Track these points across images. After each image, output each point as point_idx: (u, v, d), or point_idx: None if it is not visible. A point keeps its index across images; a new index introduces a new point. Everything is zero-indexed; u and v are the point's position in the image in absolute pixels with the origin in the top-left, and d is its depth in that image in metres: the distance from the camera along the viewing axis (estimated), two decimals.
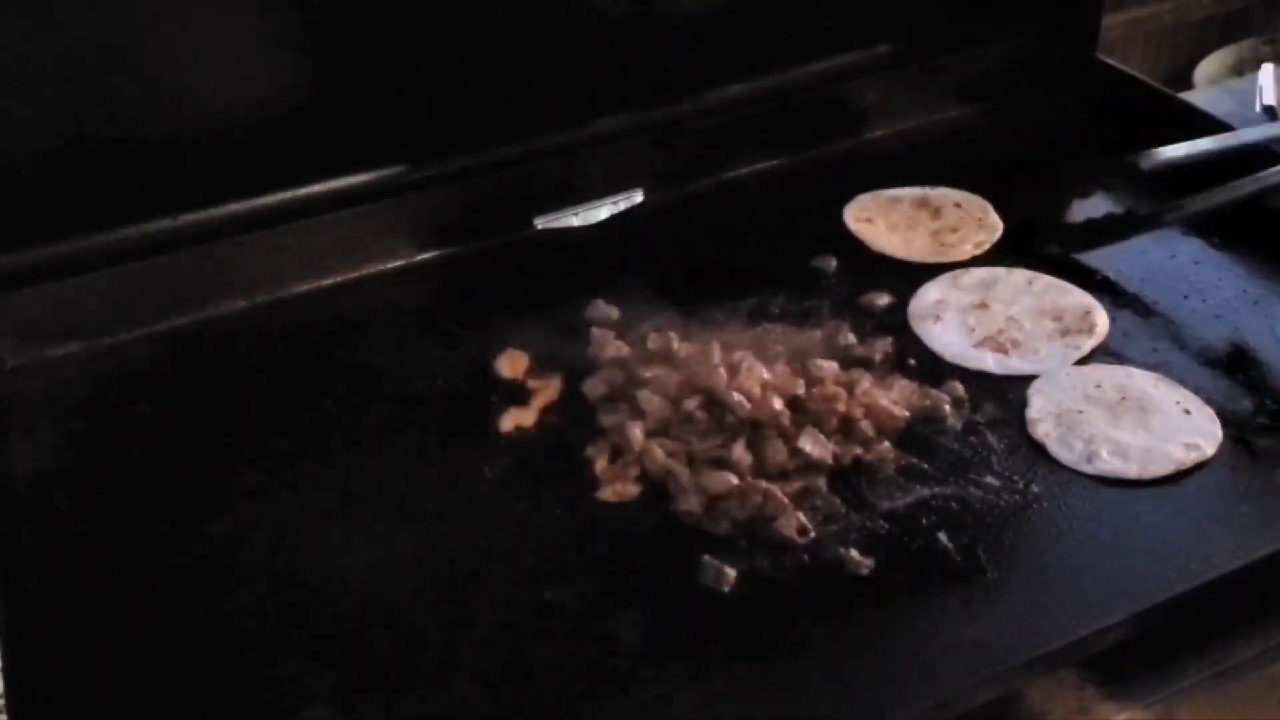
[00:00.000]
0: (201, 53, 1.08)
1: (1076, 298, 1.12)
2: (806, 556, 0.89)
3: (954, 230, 1.21)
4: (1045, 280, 1.14)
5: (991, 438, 0.98)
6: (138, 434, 1.03)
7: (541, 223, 1.24)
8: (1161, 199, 1.17)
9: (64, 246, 1.10)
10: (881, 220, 1.23)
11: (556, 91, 1.23)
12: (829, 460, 0.95)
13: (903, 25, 1.38)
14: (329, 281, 1.18)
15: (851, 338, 1.07)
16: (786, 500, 0.91)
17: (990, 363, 1.06)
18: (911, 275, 1.16)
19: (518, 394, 1.04)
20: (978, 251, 1.19)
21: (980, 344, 1.07)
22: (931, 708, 0.79)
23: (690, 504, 0.92)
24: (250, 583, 0.89)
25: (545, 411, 1.02)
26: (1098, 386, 1.02)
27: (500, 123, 1.22)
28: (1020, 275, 1.15)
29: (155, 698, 0.82)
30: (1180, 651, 0.85)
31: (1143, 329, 1.09)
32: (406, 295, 1.17)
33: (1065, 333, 1.08)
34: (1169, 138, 1.24)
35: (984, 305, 1.11)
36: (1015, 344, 1.07)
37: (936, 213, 1.24)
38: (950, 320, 1.10)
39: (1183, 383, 1.02)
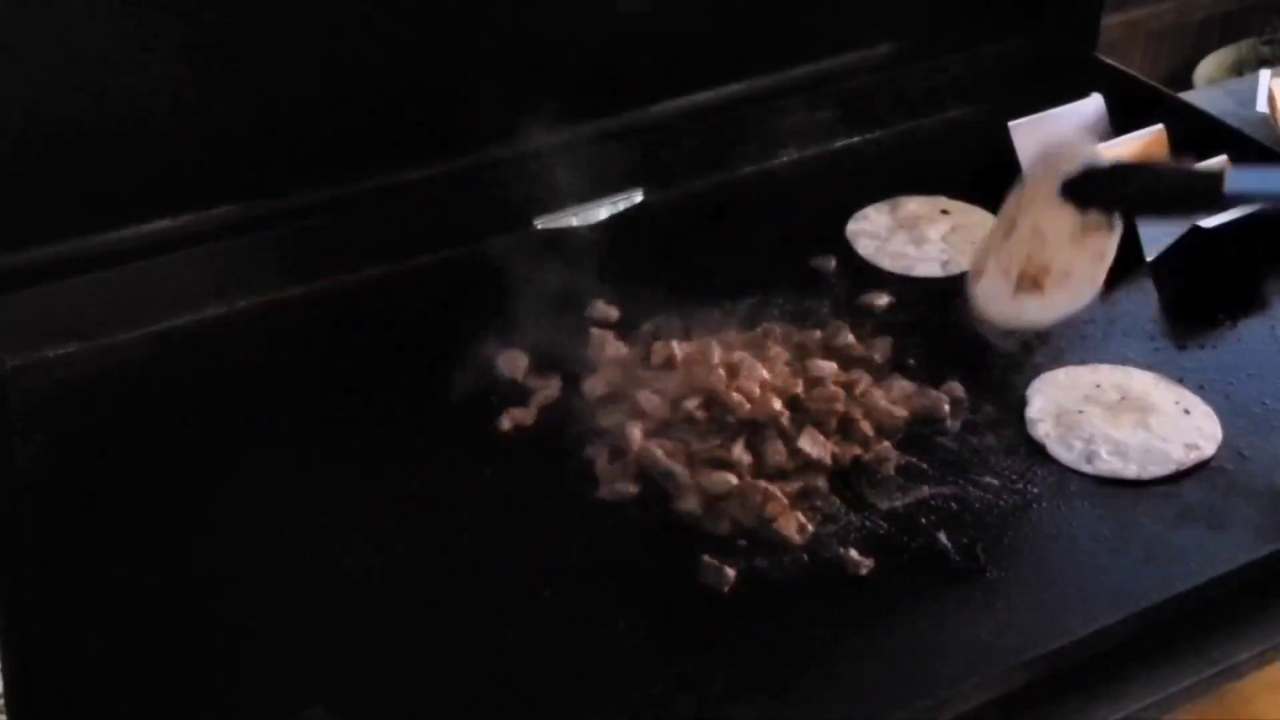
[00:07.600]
0: (201, 52, 1.08)
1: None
2: (806, 556, 0.89)
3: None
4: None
5: (991, 438, 0.98)
6: (137, 434, 1.03)
7: (541, 223, 1.24)
8: None
9: (64, 246, 1.10)
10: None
11: (557, 91, 1.23)
12: (828, 460, 0.95)
13: (904, 25, 1.38)
14: (328, 281, 1.18)
15: (851, 338, 1.07)
16: (786, 500, 0.91)
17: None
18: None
19: (518, 394, 1.04)
20: None
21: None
22: (931, 708, 0.79)
23: (690, 504, 0.92)
24: (249, 582, 0.89)
25: (545, 411, 1.02)
26: (1098, 386, 1.02)
27: (500, 122, 1.22)
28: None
29: (154, 697, 0.82)
30: (1180, 651, 0.85)
31: (1143, 329, 1.09)
32: (406, 296, 1.17)
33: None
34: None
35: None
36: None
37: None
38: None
39: (1183, 383, 1.02)
